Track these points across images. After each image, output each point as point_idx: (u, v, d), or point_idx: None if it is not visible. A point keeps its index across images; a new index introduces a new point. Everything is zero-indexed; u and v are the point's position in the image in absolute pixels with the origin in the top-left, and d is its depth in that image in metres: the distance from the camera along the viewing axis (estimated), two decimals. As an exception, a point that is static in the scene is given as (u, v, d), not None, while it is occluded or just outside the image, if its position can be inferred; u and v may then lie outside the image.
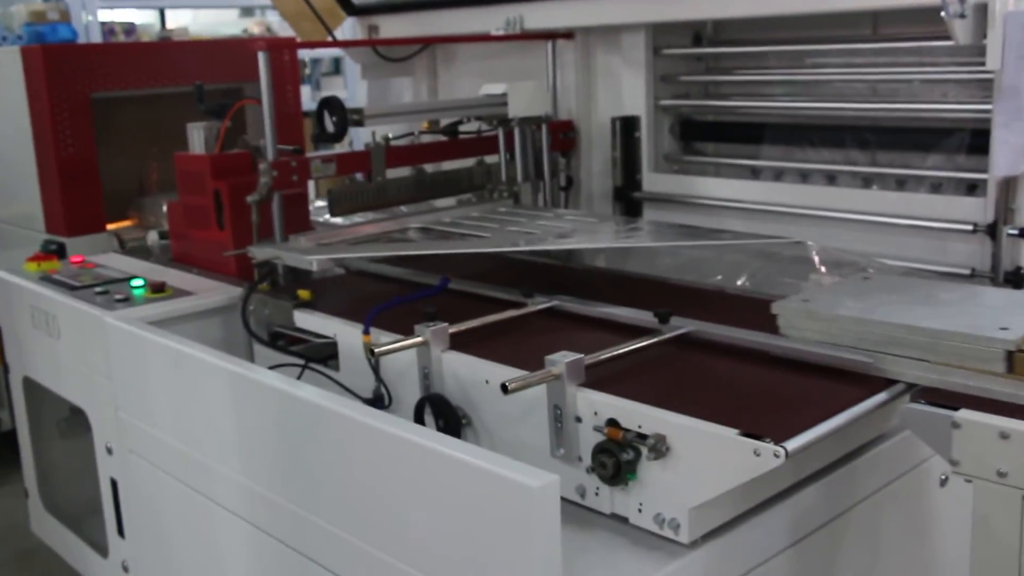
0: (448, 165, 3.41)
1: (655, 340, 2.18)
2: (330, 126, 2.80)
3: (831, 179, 3.16)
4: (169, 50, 4.12)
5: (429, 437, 1.81)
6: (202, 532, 2.49)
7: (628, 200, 3.46)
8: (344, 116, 2.80)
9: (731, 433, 1.75)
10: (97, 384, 2.80)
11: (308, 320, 2.60)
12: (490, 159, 3.36)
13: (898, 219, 2.87)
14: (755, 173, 3.34)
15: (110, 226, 4.04)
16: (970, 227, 2.65)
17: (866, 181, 3.09)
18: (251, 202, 2.87)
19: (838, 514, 2.12)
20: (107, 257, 3.50)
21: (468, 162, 3.37)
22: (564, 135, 3.44)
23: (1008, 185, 2.56)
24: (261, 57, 2.83)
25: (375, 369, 2.34)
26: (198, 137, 3.15)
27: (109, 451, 2.82)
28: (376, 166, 3.07)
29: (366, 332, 2.35)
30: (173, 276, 3.10)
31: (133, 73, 4.01)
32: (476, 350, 2.20)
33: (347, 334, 2.46)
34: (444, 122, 3.28)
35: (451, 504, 1.76)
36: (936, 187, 2.94)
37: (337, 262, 2.70)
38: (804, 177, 3.21)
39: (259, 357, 2.81)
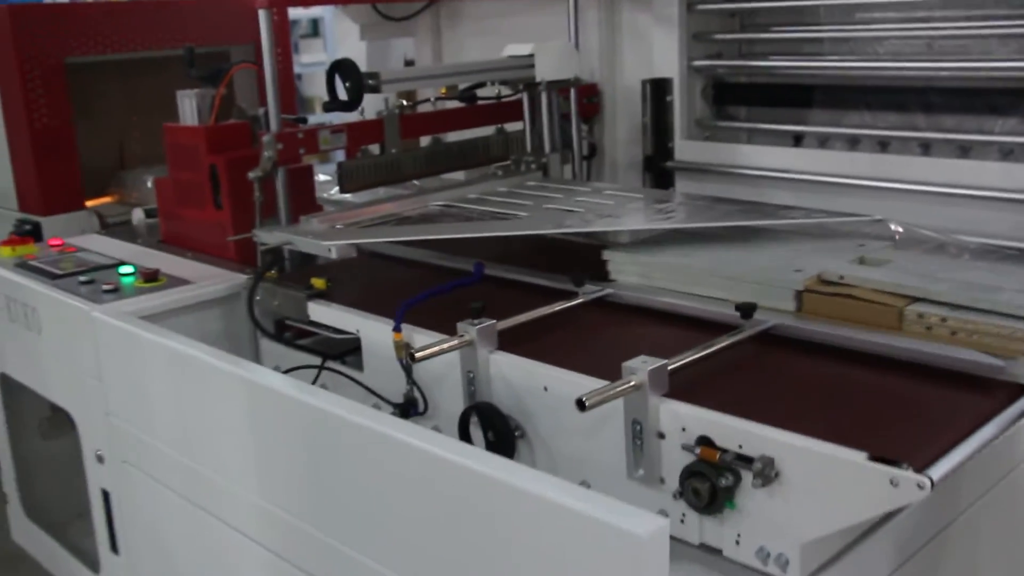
0: (458, 135, 3.05)
1: (739, 338, 1.86)
2: (343, 93, 2.45)
3: (883, 146, 2.84)
4: (149, 10, 3.72)
5: (502, 468, 1.48)
6: (209, 555, 2.17)
7: (659, 170, 3.14)
8: (359, 81, 2.46)
9: (859, 457, 1.45)
10: (85, 386, 2.48)
11: (324, 313, 2.27)
12: (509, 127, 3.02)
13: (963, 189, 2.56)
14: (797, 140, 3.02)
15: (89, 203, 3.68)
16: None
17: (924, 148, 2.77)
18: (253, 179, 2.53)
19: (939, 530, 1.83)
20: (89, 239, 3.16)
21: (485, 131, 3.02)
22: (588, 100, 3.11)
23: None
24: (263, 15, 2.48)
25: (409, 372, 2.02)
26: (190, 106, 2.80)
27: (100, 459, 2.49)
28: (390, 136, 2.74)
29: (397, 329, 2.03)
30: (165, 261, 2.78)
31: (110, 35, 3.63)
32: (529, 350, 1.90)
33: (373, 330, 2.14)
34: (461, 87, 2.93)
35: (526, 548, 1.44)
36: (1007, 153, 2.63)
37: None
38: (853, 143, 2.90)
39: (266, 353, 2.48)
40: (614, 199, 2.51)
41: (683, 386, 1.68)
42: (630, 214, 2.37)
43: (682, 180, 3.15)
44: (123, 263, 2.73)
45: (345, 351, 2.29)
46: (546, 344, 1.95)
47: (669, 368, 1.68)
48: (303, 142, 2.57)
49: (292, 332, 2.48)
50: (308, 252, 2.35)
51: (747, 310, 1.91)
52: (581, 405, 1.59)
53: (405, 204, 2.58)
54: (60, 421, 2.72)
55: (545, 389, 1.82)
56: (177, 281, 2.57)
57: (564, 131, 2.97)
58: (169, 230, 2.99)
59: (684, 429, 1.63)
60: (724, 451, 1.58)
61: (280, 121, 2.57)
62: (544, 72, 2.79)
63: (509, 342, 1.93)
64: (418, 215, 2.54)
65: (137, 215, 3.27)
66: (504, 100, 3.00)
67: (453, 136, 3.06)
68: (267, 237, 2.43)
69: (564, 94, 2.93)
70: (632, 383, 1.64)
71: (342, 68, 2.48)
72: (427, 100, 2.90)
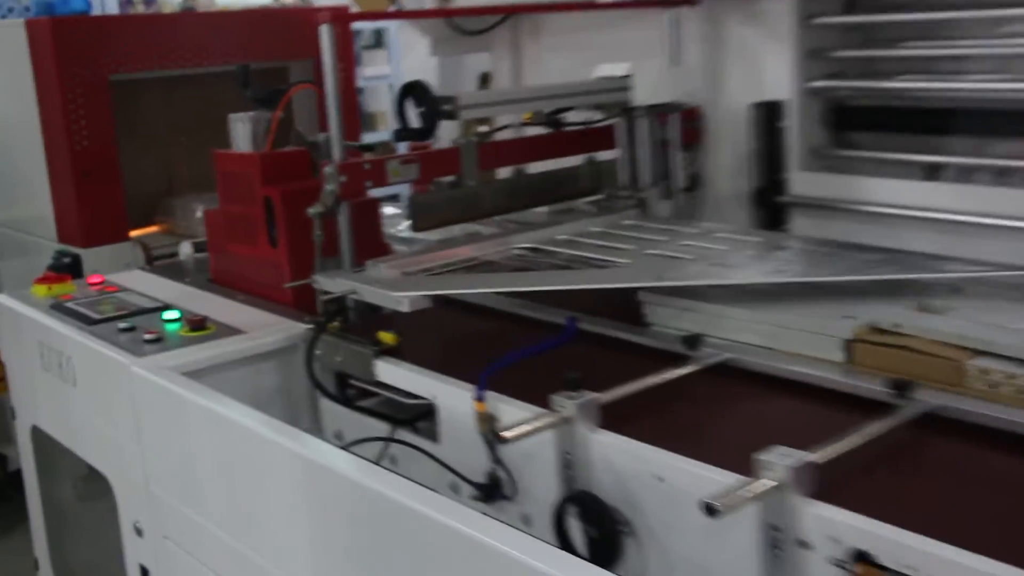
0: (541, 166, 2.85)
1: (893, 423, 1.63)
2: (414, 119, 2.27)
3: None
4: (201, 23, 3.60)
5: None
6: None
7: (770, 205, 2.90)
8: (435, 107, 2.28)
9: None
10: (123, 448, 2.33)
11: (395, 373, 2.10)
12: (600, 157, 2.83)
13: None
14: (932, 171, 2.77)
15: (133, 233, 3.57)
16: None
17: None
18: (313, 215, 2.35)
19: None
20: (132, 276, 3.03)
21: (571, 161, 2.82)
22: (689, 125, 2.89)
23: None
24: (325, 32, 2.31)
25: (493, 449, 1.82)
26: (243, 131, 2.65)
27: (138, 531, 2.33)
28: (467, 167, 2.55)
29: (479, 399, 1.83)
30: (214, 305, 2.63)
31: (158, 50, 3.53)
32: (638, 430, 1.70)
33: (451, 396, 1.97)
34: (546, 112, 2.74)
35: None
36: None
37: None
38: (1000, 176, 2.64)
39: (327, 413, 2.31)
40: (727, 243, 2.30)
41: (832, 483, 1.47)
42: (747, 263, 2.15)
43: (799, 217, 2.92)
44: (168, 307, 2.59)
45: (417, 415, 2.12)
46: (658, 422, 1.77)
47: (815, 462, 1.45)
48: (370, 174, 2.40)
49: (356, 390, 2.29)
50: (377, 304, 2.16)
51: (903, 387, 1.67)
52: (711, 510, 1.38)
53: (485, 247, 2.39)
54: (98, 482, 2.56)
55: (660, 479, 1.62)
56: (227, 330, 2.41)
57: (661, 161, 2.75)
58: (219, 268, 2.84)
59: (836, 540, 1.41)
60: (887, 570, 1.35)
61: (343, 149, 2.38)
62: (642, 95, 2.59)
63: (613, 418, 1.74)
64: (500, 259, 2.34)
65: (185, 249, 3.12)
66: (594, 126, 2.80)
67: (535, 167, 2.86)
68: (329, 285, 2.25)
69: (663, 120, 2.72)
70: (771, 483, 1.42)
71: (414, 92, 2.31)
72: (507, 126, 2.69)
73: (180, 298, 2.70)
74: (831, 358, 1.90)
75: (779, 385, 1.89)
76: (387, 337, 2.16)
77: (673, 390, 1.88)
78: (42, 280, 2.85)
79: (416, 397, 2.06)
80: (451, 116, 2.34)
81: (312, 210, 2.38)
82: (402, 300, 2.03)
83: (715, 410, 1.83)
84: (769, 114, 2.87)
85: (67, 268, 3.22)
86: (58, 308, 2.67)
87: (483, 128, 2.63)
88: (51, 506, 2.97)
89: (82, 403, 2.52)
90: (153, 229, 3.78)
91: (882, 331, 1.86)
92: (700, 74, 3.02)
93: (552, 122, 2.74)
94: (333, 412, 2.29)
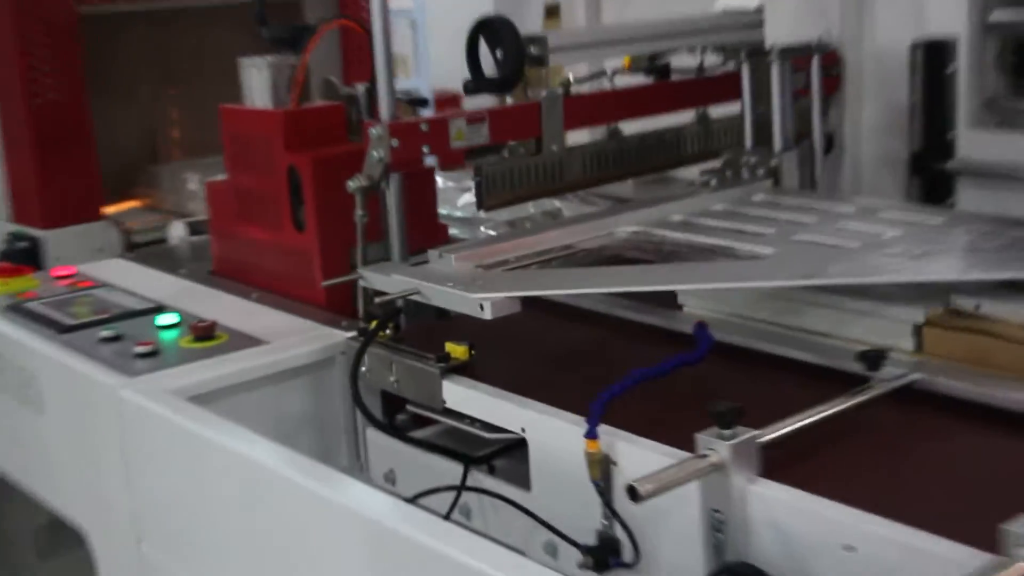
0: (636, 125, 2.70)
1: None
2: (493, 67, 2.13)
3: None
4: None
5: None
6: None
7: (933, 174, 2.74)
8: (519, 50, 2.14)
9: None
10: (105, 493, 2.25)
11: (469, 398, 1.98)
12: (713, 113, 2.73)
13: None
14: None
15: (108, 209, 3.45)
16: None
17: None
18: (354, 190, 2.23)
19: None
20: (109, 266, 2.94)
21: (671, 120, 2.67)
22: (826, 72, 2.72)
23: None
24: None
25: (608, 502, 1.71)
26: (260, 81, 2.56)
27: (125, 603, 2.19)
28: (550, 129, 2.41)
29: (592, 435, 1.67)
30: (222, 306, 2.53)
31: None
32: (813, 479, 1.56)
33: (546, 429, 1.84)
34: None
35: None
36: None
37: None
38: None
39: (375, 447, 2.21)
40: (901, 226, 2.13)
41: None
42: (949, 252, 1.99)
43: (966, 188, 2.76)
44: (162, 308, 2.48)
45: (494, 452, 2.00)
46: (839, 468, 1.63)
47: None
48: (428, 137, 2.27)
49: (409, 416, 2.16)
50: (446, 308, 2.00)
51: None
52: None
53: (577, 231, 2.25)
54: (64, 534, 2.48)
55: (850, 549, 1.47)
56: (242, 339, 2.30)
57: (795, 118, 2.60)
58: (225, 256, 2.74)
59: None
60: None
61: (394, 105, 2.23)
62: (777, 33, 2.43)
63: (777, 463, 1.60)
64: (600, 248, 2.18)
65: (177, 231, 3.02)
66: (708, 76, 2.65)
67: (629, 126, 2.71)
68: (382, 282, 2.11)
69: (799, 65, 2.56)
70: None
71: (490, 30, 2.18)
72: (601, 74, 2.54)
73: (176, 296, 2.60)
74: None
75: (991, 416, 1.73)
76: (457, 350, 2.02)
77: (849, 422, 1.73)
78: (-6, 272, 2.72)
79: (497, 429, 1.92)
80: (540, 61, 2.20)
81: (353, 183, 2.25)
82: (483, 304, 1.89)
83: (915, 450, 1.68)
84: (934, 56, 2.71)
85: (23, 256, 3.10)
86: (17, 311, 2.56)
87: (565, 77, 2.47)
88: (3, 564, 2.86)
89: (51, 434, 2.41)
90: (131, 204, 3.68)
91: (961, 314, 1.88)
92: (838, 6, 2.87)
93: (657, 70, 2.58)
94: (383, 447, 2.16)
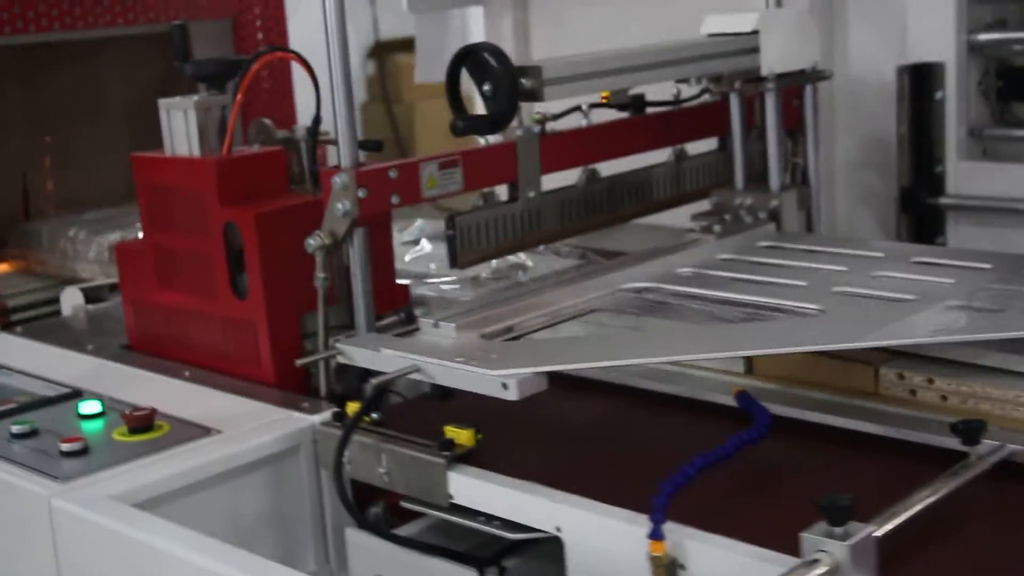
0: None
1: None
2: (482, 103, 1.92)
3: None
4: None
5: None
6: None
7: (923, 209, 2.61)
8: (512, 82, 1.90)
9: None
10: None
11: (483, 492, 1.73)
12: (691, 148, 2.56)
13: None
14: None
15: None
16: None
17: None
18: (314, 250, 1.97)
19: None
20: None
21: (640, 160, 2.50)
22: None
23: None
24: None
25: None
26: (183, 125, 2.24)
27: None
28: (526, 171, 2.19)
29: (657, 535, 1.45)
30: (150, 388, 2.24)
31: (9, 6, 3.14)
32: None
33: (591, 529, 1.61)
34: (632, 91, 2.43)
35: None
36: None
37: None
38: None
39: (356, 550, 1.92)
40: (943, 272, 1.97)
41: None
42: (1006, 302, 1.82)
43: (960, 224, 2.64)
44: (79, 393, 2.18)
45: (504, 550, 1.77)
46: (953, 561, 1.45)
47: None
48: (398, 185, 2.01)
49: (382, 510, 1.93)
50: (456, 388, 1.75)
51: None
52: None
53: (574, 290, 2.02)
54: None
55: None
56: (186, 429, 2.01)
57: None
58: (143, 329, 2.44)
59: None
60: None
61: (356, 149, 1.99)
62: (772, 59, 2.25)
63: (887, 562, 1.39)
64: (607, 308, 1.96)
65: (71, 299, 2.68)
66: (686, 108, 2.46)
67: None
68: (366, 358, 1.85)
69: (791, 94, 2.40)
70: None
71: (477, 60, 1.93)
72: (574, 109, 2.31)
73: (91, 378, 2.29)
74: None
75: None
76: (462, 435, 1.76)
77: (954, 506, 1.52)
78: None
79: (529, 530, 1.66)
80: (533, 96, 1.96)
81: (314, 241, 1.99)
82: (507, 383, 1.63)
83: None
84: (922, 81, 2.58)
85: None
86: None
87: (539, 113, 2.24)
88: None
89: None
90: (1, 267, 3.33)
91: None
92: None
93: (633, 103, 2.38)
94: (368, 549, 1.89)
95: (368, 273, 2.04)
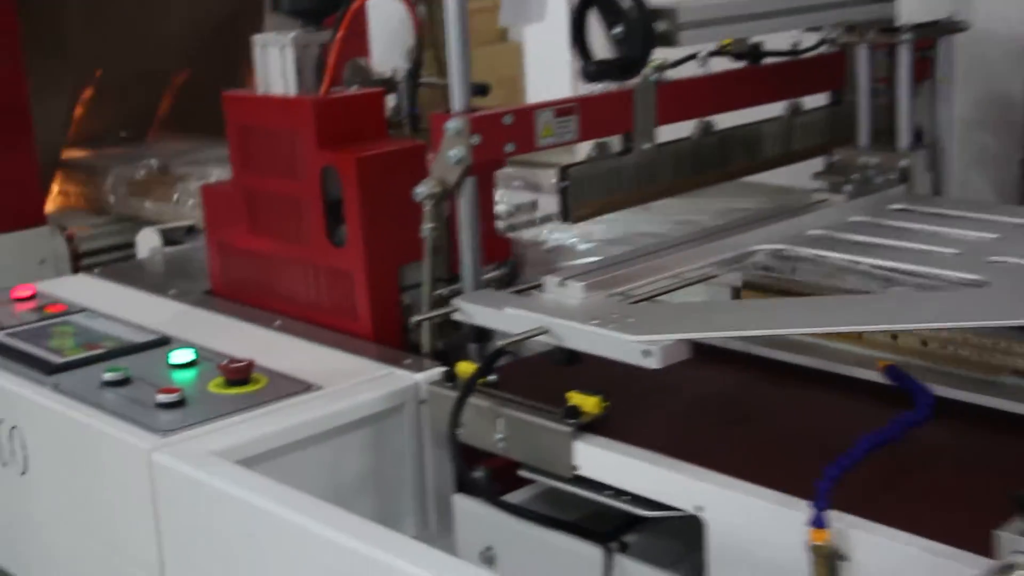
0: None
1: None
2: (611, 46, 1.85)
3: None
4: None
5: None
6: None
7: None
8: (646, 24, 1.78)
9: None
10: None
11: (613, 465, 1.62)
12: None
13: None
14: None
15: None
16: None
17: None
18: (422, 198, 1.87)
19: None
20: (74, 284, 2.52)
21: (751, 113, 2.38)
22: (922, 54, 2.43)
23: None
24: None
25: None
26: (279, 62, 2.14)
27: None
28: (643, 122, 2.08)
29: (819, 523, 1.36)
30: (241, 336, 2.15)
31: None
32: None
33: (739, 511, 1.50)
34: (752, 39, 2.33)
35: None
36: None
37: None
38: None
39: (465, 518, 1.82)
40: None
41: None
42: None
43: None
44: (167, 340, 2.09)
45: (624, 524, 1.66)
46: None
47: None
48: (512, 131, 1.90)
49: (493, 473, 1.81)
50: (589, 352, 1.64)
51: None
52: None
53: (697, 253, 1.91)
54: None
55: None
56: (285, 383, 1.91)
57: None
58: (230, 275, 2.34)
59: None
60: None
61: (468, 92, 1.89)
62: (911, 7, 2.12)
63: None
64: (737, 271, 1.86)
65: (148, 240, 2.57)
66: (805, 56, 2.34)
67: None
68: (490, 318, 1.74)
69: (922, 46, 2.28)
70: None
71: (606, 1, 1.81)
72: (691, 57, 2.20)
73: (178, 324, 2.20)
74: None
75: None
76: (587, 403, 1.65)
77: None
78: (-65, 291, 2.29)
79: (665, 508, 1.56)
80: (668, 40, 1.84)
81: (423, 189, 1.87)
82: (650, 350, 1.52)
83: None
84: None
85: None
86: (-24, 339, 2.13)
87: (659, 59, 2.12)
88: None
89: (43, 509, 1.99)
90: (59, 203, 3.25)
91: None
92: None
93: (751, 53, 2.26)
94: (478, 518, 1.79)
95: (477, 225, 1.94)
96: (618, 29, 1.86)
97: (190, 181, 3.04)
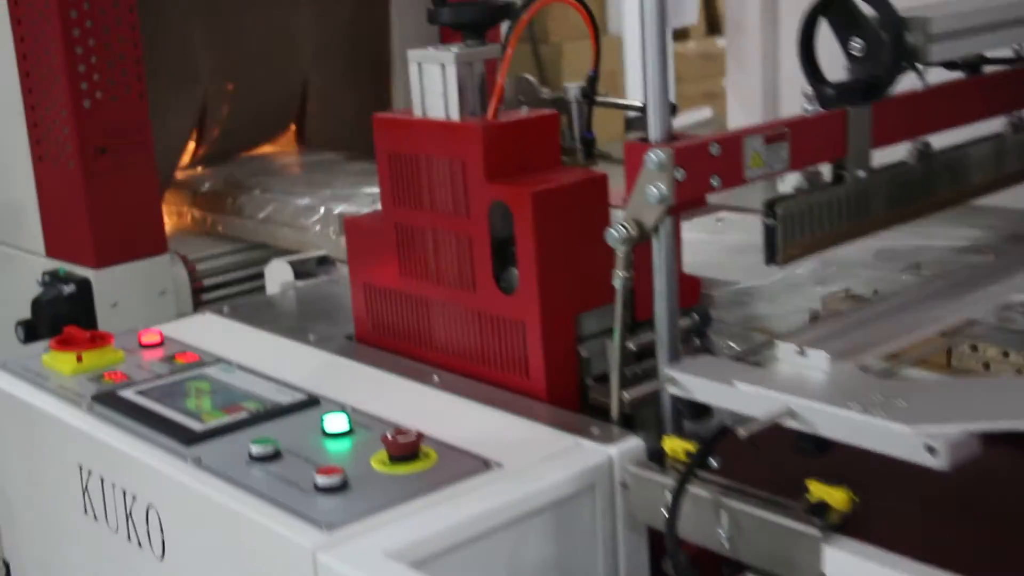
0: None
1: None
2: (847, 66, 1.54)
3: None
4: None
5: None
6: None
7: None
8: (897, 38, 1.50)
9: None
10: None
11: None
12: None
13: None
14: None
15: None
16: None
17: None
18: (616, 243, 1.60)
19: None
20: (201, 325, 2.26)
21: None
22: None
23: None
24: None
25: None
26: (438, 80, 1.88)
27: None
28: (856, 145, 1.78)
29: None
30: (397, 395, 1.89)
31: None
32: None
33: None
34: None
35: None
36: None
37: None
38: None
39: None
40: None
41: None
42: None
43: None
44: (315, 400, 1.83)
45: None
46: None
47: None
48: (719, 163, 1.62)
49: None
50: (853, 444, 1.36)
51: None
52: None
53: (945, 304, 1.61)
54: None
55: None
56: (457, 459, 1.64)
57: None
58: (376, 319, 2.07)
59: None
60: None
61: (667, 119, 1.61)
62: None
63: None
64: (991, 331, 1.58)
65: (278, 275, 2.32)
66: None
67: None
68: (712, 393, 1.47)
69: None
70: None
71: (845, 10, 1.53)
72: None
73: (323, 378, 1.93)
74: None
75: None
76: (834, 496, 1.37)
77: None
78: (62, 343, 2.04)
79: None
80: (918, 56, 1.56)
81: (617, 233, 1.60)
82: (934, 444, 1.24)
83: None
84: None
85: (71, 305, 2.40)
86: (108, 402, 1.88)
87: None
88: None
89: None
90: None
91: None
92: None
93: (970, 63, 1.97)
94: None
95: (675, 273, 1.67)
96: (856, 42, 1.58)
97: (317, 205, 2.81)
